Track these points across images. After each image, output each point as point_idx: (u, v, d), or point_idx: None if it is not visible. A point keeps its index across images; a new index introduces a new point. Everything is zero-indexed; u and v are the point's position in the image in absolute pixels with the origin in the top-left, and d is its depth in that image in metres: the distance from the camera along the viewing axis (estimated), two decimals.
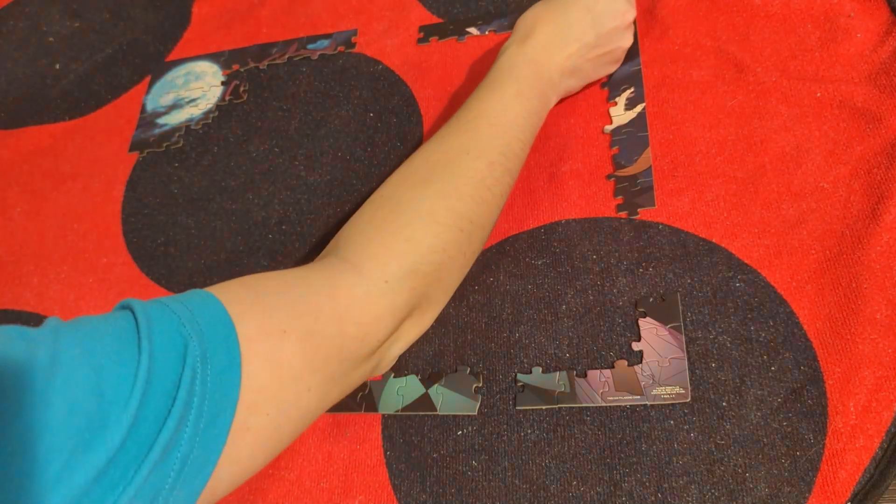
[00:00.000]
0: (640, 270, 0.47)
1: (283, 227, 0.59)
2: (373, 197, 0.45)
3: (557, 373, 0.46)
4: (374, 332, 0.39)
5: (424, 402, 0.47)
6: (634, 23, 0.56)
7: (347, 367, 0.38)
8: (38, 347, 0.28)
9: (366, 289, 0.39)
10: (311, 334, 0.36)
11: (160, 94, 0.72)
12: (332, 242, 0.44)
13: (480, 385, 0.47)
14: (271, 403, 0.33)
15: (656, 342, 0.44)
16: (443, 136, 0.46)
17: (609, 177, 0.51)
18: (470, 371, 0.48)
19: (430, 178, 0.44)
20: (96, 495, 0.26)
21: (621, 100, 0.54)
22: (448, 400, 0.47)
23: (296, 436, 0.37)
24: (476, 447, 0.45)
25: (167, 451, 0.29)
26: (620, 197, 0.50)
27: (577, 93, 0.54)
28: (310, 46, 0.68)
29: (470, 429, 0.46)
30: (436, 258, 0.42)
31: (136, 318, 0.31)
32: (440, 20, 0.65)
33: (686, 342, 0.44)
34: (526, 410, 0.45)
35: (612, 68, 0.54)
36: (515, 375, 0.46)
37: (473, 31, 0.63)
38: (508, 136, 0.46)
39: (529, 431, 0.45)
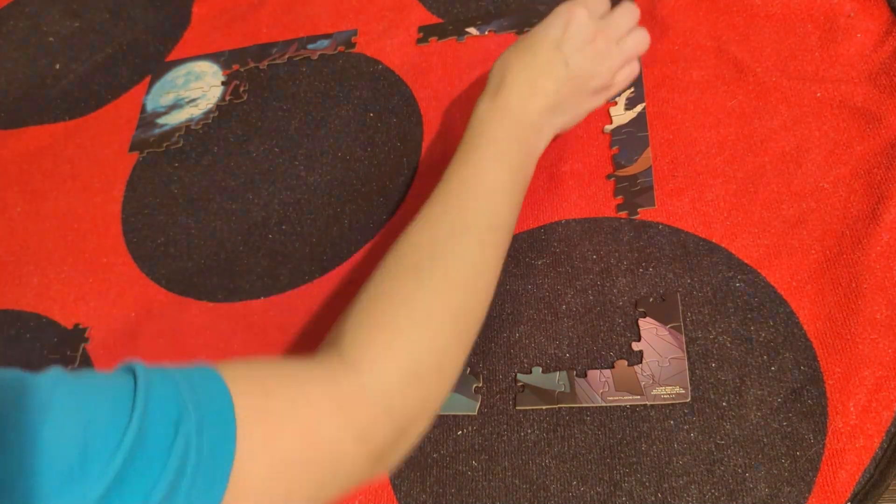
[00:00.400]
0: (640, 270, 0.47)
1: (283, 227, 0.59)
2: (368, 286, 0.43)
3: (557, 373, 0.46)
4: (370, 436, 0.38)
5: None
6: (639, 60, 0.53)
7: (341, 471, 0.37)
8: (32, 393, 0.28)
9: (364, 391, 0.38)
10: (307, 430, 0.35)
11: (160, 94, 0.72)
12: (332, 332, 0.42)
13: (480, 385, 0.47)
14: (259, 493, 0.33)
15: (656, 342, 0.44)
16: (428, 215, 0.45)
17: (609, 177, 0.51)
18: (470, 371, 0.48)
19: (420, 266, 0.42)
20: None
21: (621, 100, 0.54)
22: (448, 400, 0.47)
23: None
24: (476, 447, 0.45)
25: None
26: (620, 197, 0.50)
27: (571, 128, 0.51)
28: (310, 46, 0.68)
29: (470, 429, 0.46)
30: (435, 359, 0.40)
31: (135, 380, 0.31)
32: (440, 20, 0.65)
33: (686, 342, 0.44)
34: (526, 410, 0.45)
35: (595, 100, 0.50)
36: (515, 375, 0.46)
37: (473, 31, 0.63)
38: (494, 204, 0.44)
39: (529, 431, 0.45)
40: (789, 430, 0.40)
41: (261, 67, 0.69)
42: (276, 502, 0.34)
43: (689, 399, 0.42)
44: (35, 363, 0.59)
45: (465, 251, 0.43)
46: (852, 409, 0.40)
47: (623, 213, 0.50)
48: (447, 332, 0.41)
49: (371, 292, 0.43)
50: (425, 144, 0.59)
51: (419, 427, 0.42)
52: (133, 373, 0.31)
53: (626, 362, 0.44)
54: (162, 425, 0.30)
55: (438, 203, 0.45)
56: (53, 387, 0.29)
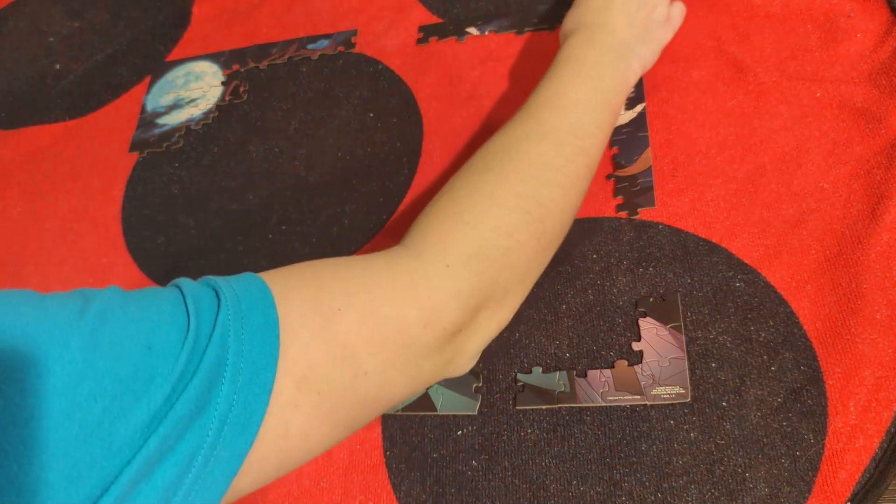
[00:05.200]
0: (640, 270, 0.47)
1: (283, 227, 0.59)
2: (441, 191, 0.43)
3: (557, 372, 0.46)
4: (437, 318, 0.37)
5: (424, 401, 0.47)
6: None
7: (412, 355, 0.36)
8: (93, 301, 0.29)
9: (426, 272, 0.37)
10: (367, 314, 0.35)
11: (160, 94, 0.72)
12: (403, 235, 0.42)
13: (480, 385, 0.47)
14: (323, 381, 0.33)
15: (656, 342, 0.44)
16: (503, 129, 0.45)
17: (609, 177, 0.51)
18: (470, 371, 0.48)
19: (490, 165, 0.42)
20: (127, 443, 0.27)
21: None
22: (448, 400, 0.47)
23: (355, 424, 0.36)
24: (476, 447, 0.45)
25: (201, 407, 0.28)
26: (620, 197, 0.50)
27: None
28: (310, 46, 0.68)
29: (470, 429, 0.46)
30: (502, 242, 0.39)
31: (179, 287, 0.32)
32: (440, 20, 0.65)
33: (686, 342, 0.44)
34: (526, 410, 0.45)
35: (664, 32, 0.53)
36: (515, 375, 0.46)
37: (473, 31, 0.63)
38: (575, 116, 0.44)
39: (529, 431, 0.45)
40: (789, 430, 0.40)
41: (261, 67, 0.69)
42: (344, 392, 0.34)
43: (689, 399, 0.42)
44: None
45: (539, 148, 0.42)
46: (852, 409, 0.40)
47: (623, 213, 0.50)
48: (514, 216, 0.40)
49: (440, 193, 0.43)
50: (425, 144, 0.59)
51: (494, 312, 0.41)
52: (179, 287, 0.32)
53: (626, 362, 0.44)
54: (206, 321, 0.30)
55: (516, 116, 0.45)
56: (112, 294, 0.30)
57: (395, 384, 0.37)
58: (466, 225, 0.39)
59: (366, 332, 0.34)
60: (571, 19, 0.52)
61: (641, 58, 0.50)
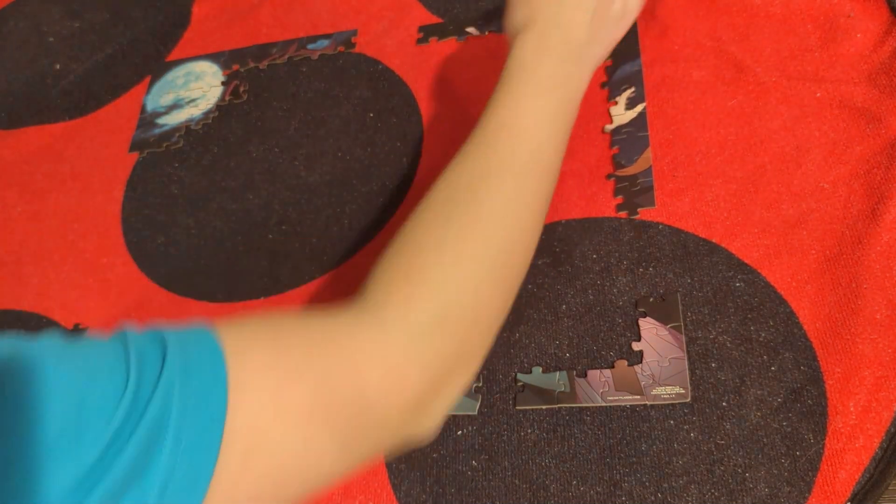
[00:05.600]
0: (640, 270, 0.47)
1: (283, 227, 0.59)
2: (398, 235, 0.41)
3: (557, 372, 0.46)
4: (397, 388, 0.35)
5: None
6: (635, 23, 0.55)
7: (370, 425, 0.35)
8: (27, 362, 0.27)
9: (386, 341, 0.36)
10: (324, 380, 0.33)
11: (160, 94, 0.72)
12: (363, 285, 0.40)
13: (480, 385, 0.47)
14: (275, 447, 0.31)
15: (656, 342, 0.44)
16: (461, 159, 0.42)
17: (609, 176, 0.51)
18: None
19: (452, 213, 0.40)
20: None
21: (622, 99, 0.54)
22: None
23: (304, 494, 0.34)
24: (476, 447, 0.45)
25: (141, 469, 0.27)
26: (620, 197, 0.50)
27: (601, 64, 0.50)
28: (310, 46, 0.68)
29: (470, 429, 0.46)
30: (467, 301, 0.38)
31: (124, 339, 0.30)
32: (440, 20, 0.65)
33: (686, 342, 0.44)
34: (526, 410, 0.45)
35: (619, 28, 0.48)
36: (515, 375, 0.46)
37: (473, 31, 0.63)
38: (535, 139, 0.42)
39: (529, 431, 0.45)
40: (789, 430, 0.40)
41: (261, 67, 0.69)
42: (296, 460, 0.32)
43: (689, 399, 0.42)
44: None
45: (500, 190, 0.40)
46: (852, 409, 0.40)
47: (623, 213, 0.50)
48: (480, 273, 0.38)
49: (400, 241, 0.40)
50: (425, 144, 0.59)
51: (460, 376, 0.39)
52: (124, 339, 0.30)
53: (626, 362, 0.44)
54: (149, 378, 0.29)
55: (473, 144, 0.42)
56: (47, 345, 0.28)
57: (349, 454, 0.35)
58: (432, 286, 0.38)
59: (322, 400, 0.33)
60: (520, 8, 0.46)
61: (596, 60, 0.47)
